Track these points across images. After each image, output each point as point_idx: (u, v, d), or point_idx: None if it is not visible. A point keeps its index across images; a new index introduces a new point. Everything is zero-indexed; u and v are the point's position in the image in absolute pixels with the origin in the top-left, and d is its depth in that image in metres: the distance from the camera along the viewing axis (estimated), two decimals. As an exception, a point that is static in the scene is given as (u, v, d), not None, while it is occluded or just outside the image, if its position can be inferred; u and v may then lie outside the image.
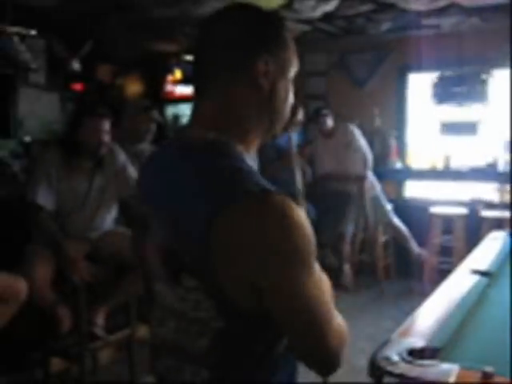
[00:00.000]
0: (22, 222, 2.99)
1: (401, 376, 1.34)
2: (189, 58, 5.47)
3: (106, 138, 3.09)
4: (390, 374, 1.35)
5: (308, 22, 5.67)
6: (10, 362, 3.21)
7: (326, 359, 1.01)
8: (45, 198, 2.95)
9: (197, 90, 1.08)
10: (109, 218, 3.24)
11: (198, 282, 0.94)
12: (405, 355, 1.42)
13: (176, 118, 8.46)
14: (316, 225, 4.81)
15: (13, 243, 2.94)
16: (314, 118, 5.41)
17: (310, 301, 0.96)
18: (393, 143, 5.96)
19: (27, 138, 6.86)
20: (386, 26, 5.56)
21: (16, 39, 3.90)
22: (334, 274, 5.33)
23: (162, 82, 8.35)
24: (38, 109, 6.50)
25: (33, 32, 4.07)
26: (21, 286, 2.61)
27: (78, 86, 7.89)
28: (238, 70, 1.02)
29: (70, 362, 3.23)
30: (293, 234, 0.92)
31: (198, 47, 1.07)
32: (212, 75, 1.04)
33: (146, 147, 3.76)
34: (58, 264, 2.91)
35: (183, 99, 8.31)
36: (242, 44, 1.02)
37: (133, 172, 3.26)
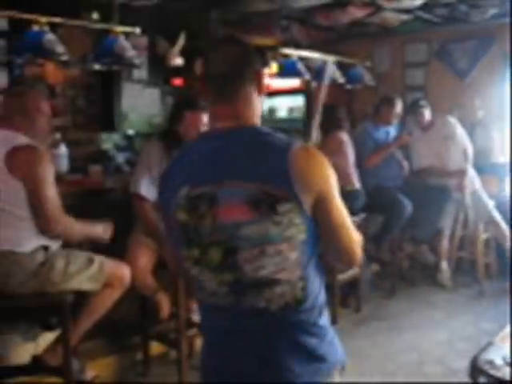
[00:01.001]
0: (125, 212, 3.14)
1: (504, 381, 1.30)
2: (285, 51, 5.48)
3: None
4: (493, 377, 1.31)
5: (407, 11, 5.52)
6: (112, 344, 3.39)
7: (351, 256, 1.43)
8: (147, 190, 3.07)
9: (221, 94, 1.43)
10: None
11: (288, 204, 1.29)
12: (509, 360, 1.36)
13: (272, 111, 8.52)
14: (412, 219, 4.72)
15: (117, 232, 3.09)
16: (411, 109, 5.26)
17: (344, 212, 1.39)
18: (495, 136, 5.67)
19: (130, 132, 7.19)
20: (490, 12, 5.29)
21: (121, 38, 4.08)
22: (431, 271, 5.18)
23: (258, 75, 8.41)
24: (141, 103, 6.78)
25: (137, 30, 4.24)
26: (125, 272, 2.75)
27: (177, 81, 8.14)
28: (252, 80, 1.44)
29: (169, 347, 3.37)
30: (327, 164, 1.38)
31: (221, 66, 1.43)
32: (237, 83, 1.42)
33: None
34: (159, 253, 3.03)
35: (279, 92, 8.35)
36: (253, 63, 1.46)
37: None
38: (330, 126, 4.55)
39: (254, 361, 1.36)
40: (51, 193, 2.52)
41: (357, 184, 4.58)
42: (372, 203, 4.66)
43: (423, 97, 5.80)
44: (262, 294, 1.32)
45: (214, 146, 1.39)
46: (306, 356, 1.35)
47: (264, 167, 1.31)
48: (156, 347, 3.40)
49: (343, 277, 4.23)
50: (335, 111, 4.69)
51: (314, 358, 1.36)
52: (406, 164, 5.22)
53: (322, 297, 1.42)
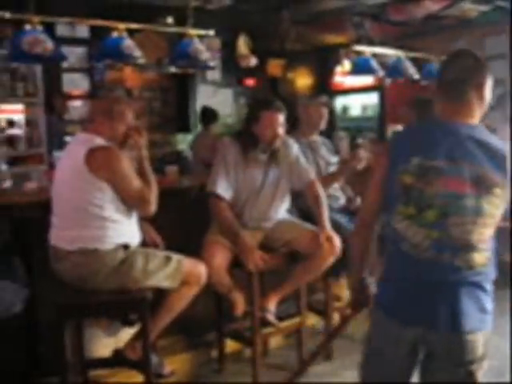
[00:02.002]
0: (201, 211, 3.19)
1: None
2: (358, 48, 5.41)
3: (281, 131, 3.17)
4: None
5: (487, 1, 5.33)
6: (188, 341, 3.46)
7: None
8: (223, 189, 3.11)
9: (455, 95, 1.81)
10: (282, 209, 3.33)
11: (500, 190, 1.69)
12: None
13: (345, 109, 8.43)
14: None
15: (193, 231, 3.16)
16: (498, 104, 5.02)
17: None
18: None
19: (204, 132, 7.27)
20: None
21: (196, 40, 4.16)
22: None
23: (331, 73, 8.36)
24: (214, 104, 6.89)
25: (211, 32, 4.31)
26: (202, 270, 2.80)
27: (250, 82, 8.21)
28: (480, 86, 1.82)
29: (243, 344, 3.40)
30: None
31: (458, 73, 1.82)
32: (469, 88, 1.80)
33: (317, 139, 3.80)
34: (234, 252, 3.06)
35: (352, 90, 8.26)
36: (483, 73, 1.84)
37: (305, 164, 3.32)
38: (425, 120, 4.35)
39: (442, 308, 1.71)
40: (137, 182, 2.63)
41: None
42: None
43: (507, 91, 5.56)
44: (460, 255, 1.68)
45: (447, 133, 1.76)
46: (480, 308, 1.74)
47: (488, 156, 1.71)
48: (231, 345, 3.44)
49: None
50: (431, 105, 4.45)
51: (485, 310, 1.75)
52: None
53: (493, 268, 1.77)
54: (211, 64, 4.34)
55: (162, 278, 2.65)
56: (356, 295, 2.12)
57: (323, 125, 3.76)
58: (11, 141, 5.53)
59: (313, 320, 3.66)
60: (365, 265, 2.02)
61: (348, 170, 3.62)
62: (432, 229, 1.69)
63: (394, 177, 1.77)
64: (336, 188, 3.75)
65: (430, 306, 1.73)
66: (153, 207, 2.67)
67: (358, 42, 6.16)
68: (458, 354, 1.72)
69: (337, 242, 3.10)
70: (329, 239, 3.07)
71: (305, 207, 3.37)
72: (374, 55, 5.45)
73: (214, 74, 7.68)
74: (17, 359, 2.92)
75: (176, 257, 2.72)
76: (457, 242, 1.68)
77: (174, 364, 3.16)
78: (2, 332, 2.79)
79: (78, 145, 2.67)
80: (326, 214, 3.19)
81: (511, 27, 4.42)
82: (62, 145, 4.98)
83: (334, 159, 3.83)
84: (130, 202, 2.64)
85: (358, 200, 3.77)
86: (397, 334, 1.81)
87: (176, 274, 2.67)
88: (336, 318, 3.77)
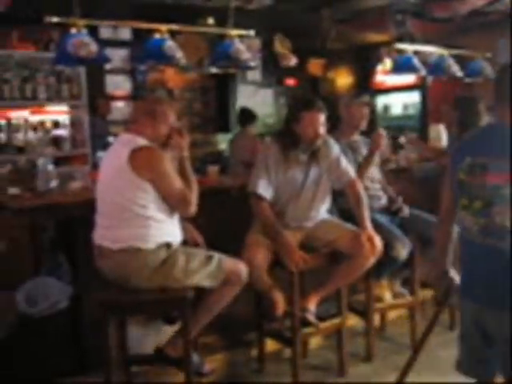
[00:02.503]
0: (242, 211, 3.21)
1: None
2: (400, 46, 5.34)
3: (322, 130, 3.17)
4: None
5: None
6: (228, 340, 3.48)
7: None
8: (264, 189, 3.12)
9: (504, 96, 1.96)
10: (323, 209, 3.32)
11: None
12: None
13: (386, 107, 8.34)
14: None
15: (234, 231, 3.17)
16: None
17: None
18: None
19: (244, 132, 7.30)
20: None
21: (237, 41, 4.18)
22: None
23: (372, 72, 8.28)
24: (254, 104, 6.91)
25: (251, 33, 4.33)
26: (243, 269, 2.81)
27: (290, 82, 8.20)
28: None
29: (283, 344, 3.40)
30: None
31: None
32: None
33: (358, 138, 3.77)
34: (275, 251, 3.07)
35: (394, 89, 8.16)
36: None
37: (346, 163, 3.30)
38: (469, 121, 4.24)
39: (494, 287, 1.93)
40: (178, 182, 2.67)
41: None
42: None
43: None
44: (503, 238, 1.89)
45: (495, 132, 1.99)
46: None
47: None
48: (271, 344, 3.45)
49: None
50: (476, 104, 4.30)
51: None
52: None
53: None
54: (252, 64, 4.35)
55: (203, 277, 2.67)
56: (439, 287, 2.32)
57: (364, 124, 3.72)
58: (56, 141, 5.67)
59: (353, 321, 3.63)
60: (447, 257, 2.25)
61: (373, 154, 3.59)
62: (479, 217, 1.96)
63: (455, 175, 2.05)
64: (377, 188, 3.72)
65: (485, 286, 1.97)
66: (193, 208, 2.70)
67: (400, 40, 6.09)
68: None
69: (378, 242, 3.07)
70: (370, 239, 3.05)
71: (345, 207, 3.35)
72: (416, 53, 5.37)
73: (255, 74, 7.70)
74: (61, 355, 2.99)
75: (217, 256, 2.74)
76: (500, 227, 1.90)
77: (214, 363, 3.18)
78: (47, 328, 2.86)
79: (121, 145, 2.72)
80: (367, 214, 3.17)
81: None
82: (105, 145, 5.07)
83: (376, 159, 3.78)
84: (170, 201, 2.67)
85: (400, 200, 3.72)
86: (469, 314, 2.08)
87: (217, 273, 2.69)
88: (377, 319, 3.74)
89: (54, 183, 3.40)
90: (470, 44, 6.17)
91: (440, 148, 4.84)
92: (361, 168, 3.53)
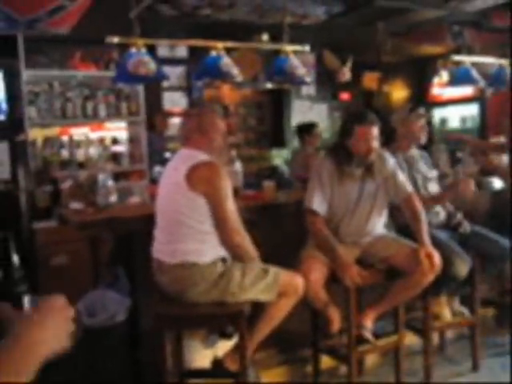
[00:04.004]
0: (298, 226, 3.20)
1: None
2: (457, 58, 5.24)
3: (375, 144, 3.13)
4: None
5: None
6: (284, 355, 3.46)
7: None
8: (319, 205, 3.10)
9: None
10: (379, 224, 3.28)
11: None
12: None
13: (443, 121, 8.18)
14: None
15: (290, 246, 3.17)
16: None
17: None
18: None
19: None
20: None
21: (292, 56, 4.21)
22: None
23: (428, 85, 8.15)
24: (309, 118, 6.89)
25: (306, 48, 4.35)
26: (299, 282, 2.79)
27: (345, 96, 8.17)
28: None
29: (339, 361, 3.35)
30: None
31: None
32: None
33: (415, 152, 3.70)
34: (330, 267, 3.04)
35: (451, 102, 8.00)
36: None
37: (402, 178, 3.25)
38: None
39: None
40: (231, 206, 2.67)
41: None
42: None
43: None
44: None
45: None
46: None
47: None
48: (326, 361, 3.41)
49: None
50: None
51: None
52: None
53: None
54: (306, 79, 4.37)
55: (259, 292, 2.67)
56: None
57: (423, 138, 3.65)
58: (115, 157, 5.82)
59: (411, 339, 3.55)
60: None
61: (452, 197, 3.51)
62: None
63: None
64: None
65: None
66: (234, 236, 2.66)
67: (457, 51, 5.97)
68: None
69: (437, 259, 3.00)
70: (428, 256, 2.98)
71: (403, 222, 3.30)
72: (474, 64, 5.25)
73: (309, 89, 7.71)
74: (119, 367, 3.04)
75: (273, 269, 2.74)
76: None
77: (270, 377, 3.18)
78: (105, 340, 2.92)
79: (180, 160, 2.76)
80: (425, 230, 3.10)
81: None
82: (162, 161, 5.17)
83: (433, 173, 3.71)
84: (217, 221, 2.65)
85: (459, 215, 3.63)
86: None
87: (273, 287, 2.69)
88: (435, 337, 3.64)
89: (113, 198, 3.49)
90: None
91: (502, 143, 4.67)
92: (429, 201, 3.46)
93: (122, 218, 3.14)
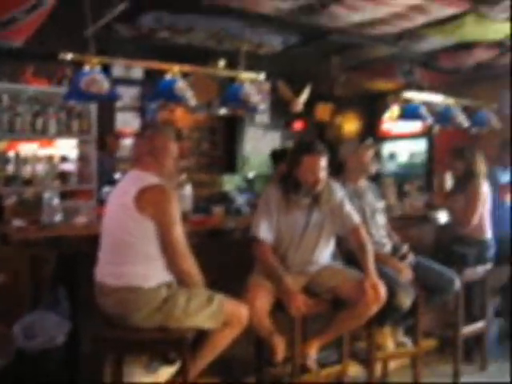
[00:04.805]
0: (245, 253, 3.19)
1: None
2: (408, 95, 5.40)
3: (323, 174, 3.17)
4: None
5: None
6: (228, 382, 3.41)
7: None
8: (266, 233, 3.11)
9: None
10: (326, 253, 3.30)
11: None
12: None
13: (392, 155, 8.39)
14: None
15: (237, 272, 3.15)
16: None
17: None
18: None
19: (251, 174, 7.37)
20: None
21: (247, 83, 4.24)
22: None
23: (379, 119, 8.36)
24: (262, 146, 6.97)
25: (261, 76, 4.40)
26: (244, 312, 2.77)
27: (298, 125, 8.29)
28: None
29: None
30: None
31: None
32: None
33: (364, 184, 3.77)
34: (276, 295, 3.04)
35: (400, 137, 8.23)
36: None
37: (349, 209, 3.29)
38: (466, 172, 4.32)
39: None
40: (179, 231, 2.64)
41: (488, 233, 4.32)
42: (500, 253, 4.39)
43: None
44: None
45: None
46: None
47: None
48: (270, 390, 3.38)
49: (468, 330, 3.98)
50: (474, 156, 4.36)
51: None
52: None
53: None
54: (261, 107, 4.41)
55: (203, 319, 2.64)
56: None
57: (372, 170, 3.73)
58: (63, 176, 5.70)
59: (355, 369, 3.56)
60: None
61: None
62: None
63: None
64: (382, 235, 3.70)
65: None
66: (181, 262, 2.63)
67: (408, 88, 6.16)
68: None
69: (382, 290, 3.04)
70: (374, 287, 3.02)
71: (350, 251, 3.33)
72: (423, 102, 5.43)
73: (263, 117, 7.79)
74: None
75: (218, 297, 2.71)
76: None
77: (212, 406, 3.12)
78: (43, 363, 2.82)
79: (129, 182, 2.73)
80: (371, 261, 3.14)
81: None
82: (111, 181, 5.09)
83: (381, 204, 3.79)
84: (164, 244, 2.62)
85: (405, 247, 3.70)
86: None
87: (218, 315, 2.66)
88: (378, 367, 3.66)
89: (58, 217, 3.41)
90: (476, 94, 6.25)
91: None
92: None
93: (66, 237, 3.07)
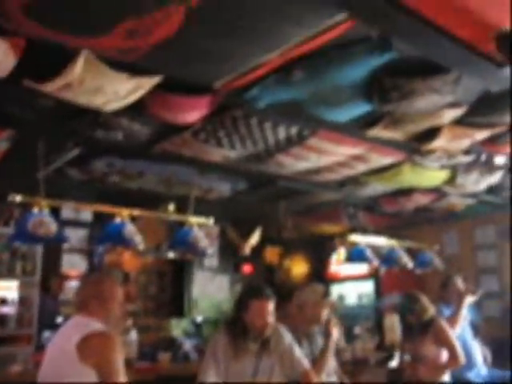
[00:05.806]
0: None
1: None
2: (353, 238, 5.57)
3: (271, 319, 3.13)
4: None
5: (473, 195, 5.62)
6: None
7: None
8: (214, 380, 2.99)
9: None
10: (277, 400, 3.17)
11: None
12: None
13: (341, 297, 8.42)
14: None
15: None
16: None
17: None
18: None
19: (199, 318, 7.21)
20: None
21: (195, 228, 4.31)
22: None
23: (326, 262, 8.49)
24: (210, 290, 6.90)
25: (210, 221, 4.49)
26: None
27: (247, 269, 8.30)
28: None
29: None
30: None
31: None
32: None
33: (315, 329, 3.70)
34: None
35: (348, 279, 8.32)
36: None
37: (299, 353, 3.22)
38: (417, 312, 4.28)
39: None
40: (122, 379, 2.51)
41: (446, 376, 4.20)
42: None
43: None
44: None
45: None
46: None
47: None
48: None
49: None
50: (420, 300, 4.30)
51: None
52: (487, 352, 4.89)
53: None
54: (209, 251, 4.45)
55: None
56: None
57: (324, 316, 3.66)
58: (1, 319, 5.44)
59: None
60: None
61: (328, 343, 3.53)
62: None
63: None
64: (333, 380, 3.60)
65: None
66: None
67: (353, 231, 6.37)
68: None
69: None
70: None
71: None
72: (368, 244, 5.60)
73: (212, 261, 7.79)
74: None
75: None
76: None
77: None
78: None
79: (72, 328, 2.62)
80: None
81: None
82: (53, 326, 4.89)
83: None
84: None
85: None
86: None
87: None
88: None
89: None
90: (418, 236, 6.51)
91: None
92: (317, 360, 3.44)
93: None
